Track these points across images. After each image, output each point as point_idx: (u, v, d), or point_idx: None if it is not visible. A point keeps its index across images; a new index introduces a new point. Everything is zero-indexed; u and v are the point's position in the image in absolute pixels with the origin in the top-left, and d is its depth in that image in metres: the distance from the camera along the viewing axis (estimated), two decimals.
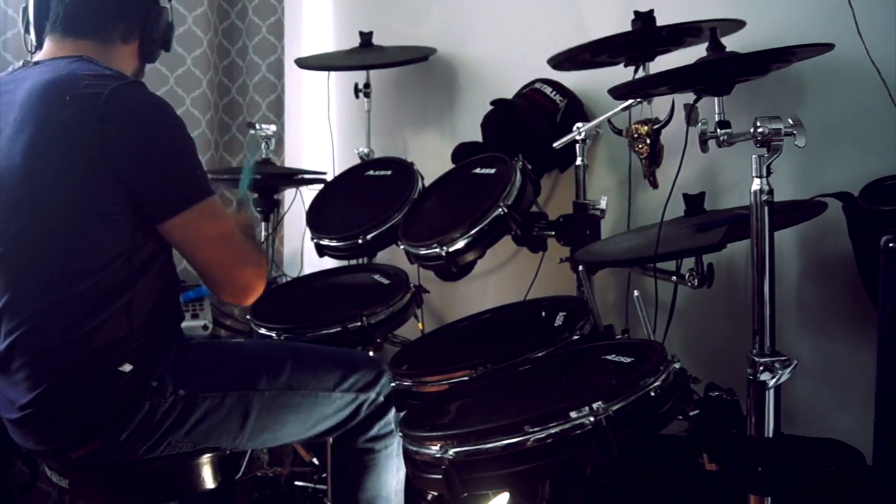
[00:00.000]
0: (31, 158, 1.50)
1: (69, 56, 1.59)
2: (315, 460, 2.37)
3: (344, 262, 2.51)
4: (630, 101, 1.94)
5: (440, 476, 1.36)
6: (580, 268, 1.98)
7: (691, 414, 1.55)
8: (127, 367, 1.53)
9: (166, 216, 1.53)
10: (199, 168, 1.59)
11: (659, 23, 1.86)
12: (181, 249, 1.59)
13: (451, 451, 1.36)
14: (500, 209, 1.89)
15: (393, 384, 1.77)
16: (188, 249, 1.58)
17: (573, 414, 1.31)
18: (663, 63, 1.85)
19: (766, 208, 1.39)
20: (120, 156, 1.48)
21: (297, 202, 2.70)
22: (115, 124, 1.48)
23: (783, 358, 1.40)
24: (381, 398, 1.80)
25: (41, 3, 1.63)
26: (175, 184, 1.54)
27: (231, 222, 1.63)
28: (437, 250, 1.91)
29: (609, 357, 1.60)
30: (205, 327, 2.48)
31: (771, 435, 1.40)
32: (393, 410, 1.81)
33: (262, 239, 2.65)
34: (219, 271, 1.61)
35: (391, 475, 1.84)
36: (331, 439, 1.85)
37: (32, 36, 1.66)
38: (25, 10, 1.66)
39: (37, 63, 1.61)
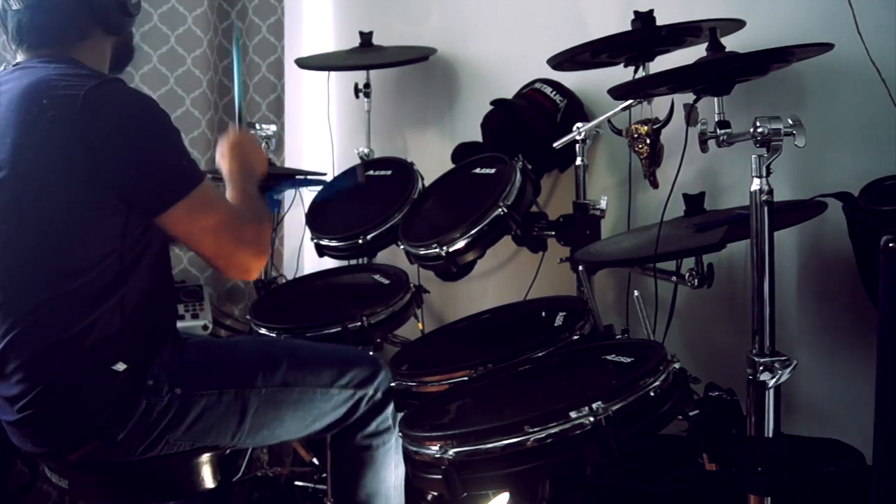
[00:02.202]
0: (15, 162, 1.51)
1: (46, 57, 1.59)
2: (315, 460, 2.36)
3: (344, 262, 2.51)
4: (630, 101, 1.94)
5: (440, 476, 1.37)
6: (580, 268, 1.98)
7: (691, 414, 1.55)
8: (121, 366, 1.53)
9: (157, 212, 1.53)
10: (184, 158, 1.57)
11: (659, 23, 1.86)
12: (181, 240, 1.61)
13: (451, 451, 1.36)
14: (500, 209, 1.89)
15: (393, 384, 1.77)
16: (186, 240, 1.60)
17: (573, 414, 1.31)
18: (663, 63, 1.85)
19: (765, 208, 1.39)
20: (100, 156, 1.48)
21: (297, 202, 2.70)
22: (92, 124, 1.47)
23: (783, 358, 1.40)
24: (379, 394, 1.80)
25: (2, 19, 1.62)
26: (161, 180, 1.54)
27: (225, 210, 1.60)
28: (437, 250, 1.91)
29: (609, 357, 1.60)
30: (205, 327, 2.49)
31: (771, 435, 1.40)
32: (391, 406, 1.81)
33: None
34: (218, 258, 1.62)
35: (390, 471, 1.84)
36: (329, 437, 1.85)
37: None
38: None
39: (17, 65, 1.61)
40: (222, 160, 1.77)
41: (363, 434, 1.81)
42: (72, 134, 1.47)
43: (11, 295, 1.54)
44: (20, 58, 1.63)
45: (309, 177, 2.59)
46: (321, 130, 3.00)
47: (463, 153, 2.32)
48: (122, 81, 1.58)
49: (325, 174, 2.62)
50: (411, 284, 2.19)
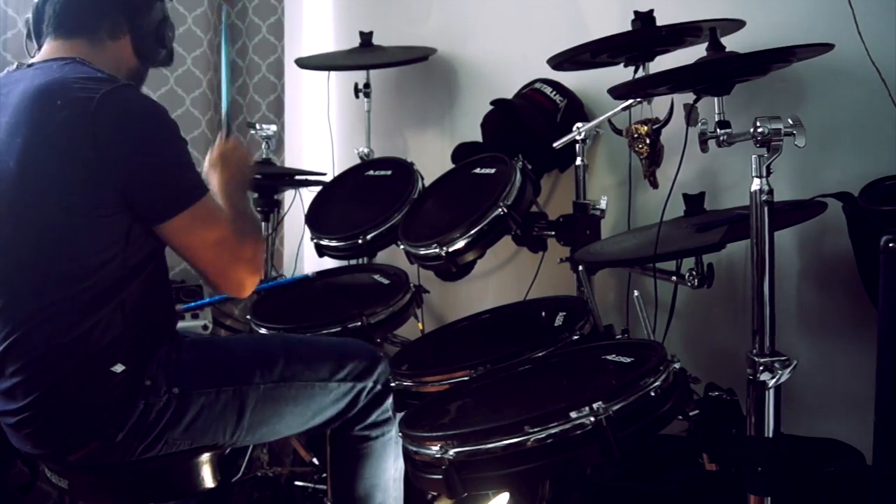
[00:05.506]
0: (23, 162, 1.51)
1: (62, 58, 1.59)
2: (315, 460, 2.36)
3: (344, 262, 2.51)
4: (630, 101, 1.94)
5: (440, 476, 1.37)
6: (580, 268, 1.98)
7: (691, 414, 1.55)
8: (119, 368, 1.53)
9: (159, 220, 1.54)
10: (190, 170, 1.57)
11: (659, 23, 1.86)
12: (177, 251, 1.60)
13: (451, 451, 1.36)
14: (500, 209, 1.89)
15: (393, 384, 1.77)
16: (183, 252, 1.59)
17: (573, 414, 1.31)
18: (663, 63, 1.86)
19: (765, 208, 1.39)
20: (111, 160, 1.49)
21: (297, 202, 2.70)
22: (105, 128, 1.48)
23: (783, 358, 1.40)
24: (379, 386, 1.79)
25: (38, 9, 1.64)
26: (166, 189, 1.54)
27: (226, 225, 1.59)
28: (437, 250, 1.91)
29: (609, 357, 1.60)
30: (205, 327, 2.49)
31: (771, 435, 1.40)
32: (391, 397, 1.80)
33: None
34: (215, 272, 1.61)
35: (389, 463, 1.83)
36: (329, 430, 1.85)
37: (34, 41, 1.68)
38: (29, 18, 1.68)
39: (31, 65, 1.62)
40: (211, 172, 1.74)
41: (362, 426, 1.80)
42: (84, 135, 1.48)
43: (14, 297, 1.54)
44: (41, 52, 1.64)
45: (309, 177, 2.59)
46: (321, 130, 3.00)
47: (463, 153, 2.32)
48: (136, 88, 1.60)
49: (324, 174, 2.62)
50: (411, 284, 2.19)
